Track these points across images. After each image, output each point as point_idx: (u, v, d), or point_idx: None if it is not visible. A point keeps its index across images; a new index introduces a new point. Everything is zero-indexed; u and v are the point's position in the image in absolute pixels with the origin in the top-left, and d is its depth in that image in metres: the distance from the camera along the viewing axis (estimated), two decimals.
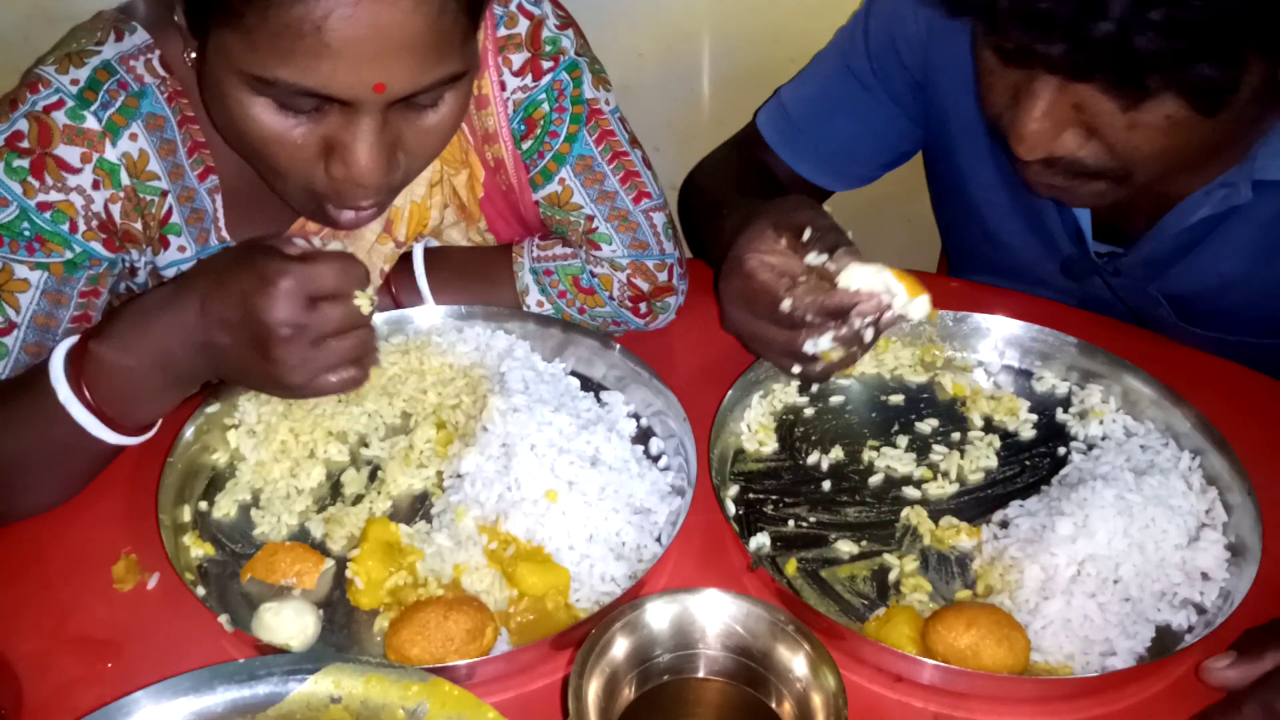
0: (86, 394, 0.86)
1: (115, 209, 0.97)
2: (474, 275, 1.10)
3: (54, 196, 0.93)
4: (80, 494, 0.94)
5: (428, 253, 1.10)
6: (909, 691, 0.80)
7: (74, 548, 0.89)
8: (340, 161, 0.87)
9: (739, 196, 1.13)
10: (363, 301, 0.86)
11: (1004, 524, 0.92)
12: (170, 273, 1.04)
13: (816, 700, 0.70)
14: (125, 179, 0.96)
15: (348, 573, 0.86)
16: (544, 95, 1.07)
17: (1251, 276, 1.08)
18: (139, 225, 0.99)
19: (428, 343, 1.05)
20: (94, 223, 0.96)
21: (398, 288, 1.09)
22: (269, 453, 0.96)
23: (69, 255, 0.95)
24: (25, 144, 0.92)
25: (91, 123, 0.94)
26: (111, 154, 0.95)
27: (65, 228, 0.94)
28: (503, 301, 1.09)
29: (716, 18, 1.60)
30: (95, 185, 0.95)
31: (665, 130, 1.27)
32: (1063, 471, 0.97)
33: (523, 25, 1.05)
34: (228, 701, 0.72)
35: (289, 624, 0.80)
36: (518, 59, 1.06)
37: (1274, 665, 0.76)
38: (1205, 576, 0.88)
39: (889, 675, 0.81)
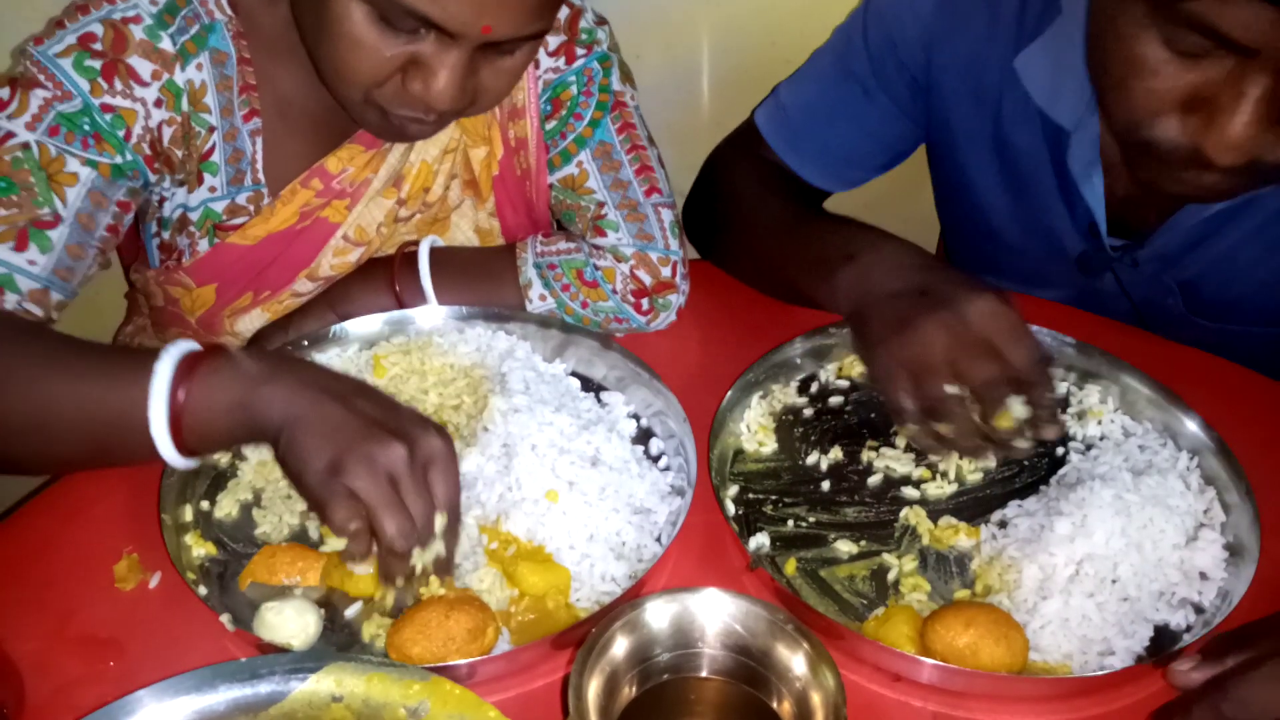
0: (182, 391, 0.81)
1: (167, 132, 1.00)
2: (477, 273, 1.11)
3: (119, 101, 0.96)
4: (81, 493, 0.94)
5: (431, 252, 1.10)
6: (908, 691, 0.81)
7: (76, 547, 0.90)
8: (421, 82, 0.91)
9: (802, 213, 1.14)
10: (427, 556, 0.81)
11: (1002, 524, 0.92)
12: (198, 212, 1.07)
13: (816, 699, 0.70)
14: (185, 105, 1.00)
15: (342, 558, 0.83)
16: (574, 78, 1.12)
17: (1264, 264, 1.08)
18: (180, 154, 1.02)
19: (429, 343, 1.05)
20: (146, 138, 0.99)
21: (401, 287, 1.09)
22: (270, 453, 0.96)
23: (118, 160, 0.97)
24: (98, 46, 0.96)
25: (166, 44, 0.98)
26: (179, 78, 0.99)
27: (122, 133, 0.97)
28: (505, 298, 1.10)
29: (716, 18, 1.60)
30: (158, 104, 0.99)
31: (665, 131, 1.28)
32: (1061, 471, 0.97)
33: (563, 11, 1.11)
34: (229, 700, 0.72)
35: (290, 623, 0.80)
36: (554, 40, 1.12)
37: (1231, 668, 0.76)
38: (1203, 576, 0.88)
39: (888, 674, 0.81)
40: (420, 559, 0.81)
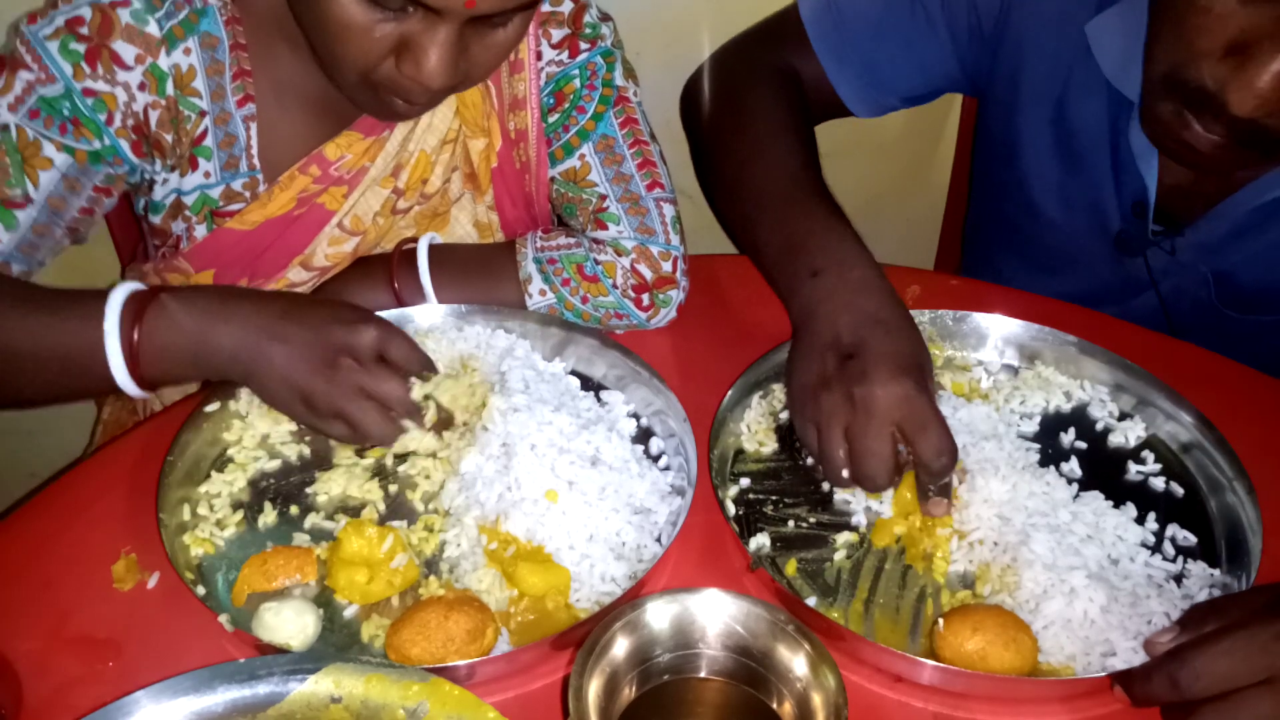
0: (135, 337, 0.88)
1: (153, 115, 1.01)
2: (477, 270, 1.11)
3: (100, 86, 0.98)
4: (80, 493, 0.94)
5: (431, 249, 1.10)
6: (909, 691, 0.81)
7: (74, 547, 0.89)
8: (412, 61, 0.91)
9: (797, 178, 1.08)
10: (417, 392, 0.93)
11: (1004, 522, 0.92)
12: (193, 197, 1.07)
13: (816, 700, 0.70)
14: (170, 89, 1.01)
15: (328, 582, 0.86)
16: (577, 72, 1.13)
17: None
18: (170, 137, 1.03)
19: (427, 341, 1.05)
20: (129, 122, 1.00)
21: (400, 285, 1.09)
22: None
23: (97, 146, 0.99)
24: (85, 30, 0.97)
25: (153, 28, 0.99)
26: (164, 62, 1.00)
27: (103, 118, 0.98)
28: (505, 294, 1.09)
29: (716, 18, 1.59)
30: (141, 87, 1.00)
31: (665, 129, 1.27)
32: (1062, 470, 0.97)
33: (567, 6, 1.13)
34: (228, 701, 0.72)
35: (289, 624, 0.80)
36: (558, 33, 1.12)
37: (1192, 639, 0.76)
38: (1208, 576, 0.88)
39: (889, 675, 0.81)
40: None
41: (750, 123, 1.16)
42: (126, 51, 0.98)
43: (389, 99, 0.97)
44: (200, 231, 1.09)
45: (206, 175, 1.07)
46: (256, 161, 1.08)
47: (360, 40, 0.91)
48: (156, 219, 1.10)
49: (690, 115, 1.25)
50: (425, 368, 0.96)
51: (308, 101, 1.08)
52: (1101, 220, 1.17)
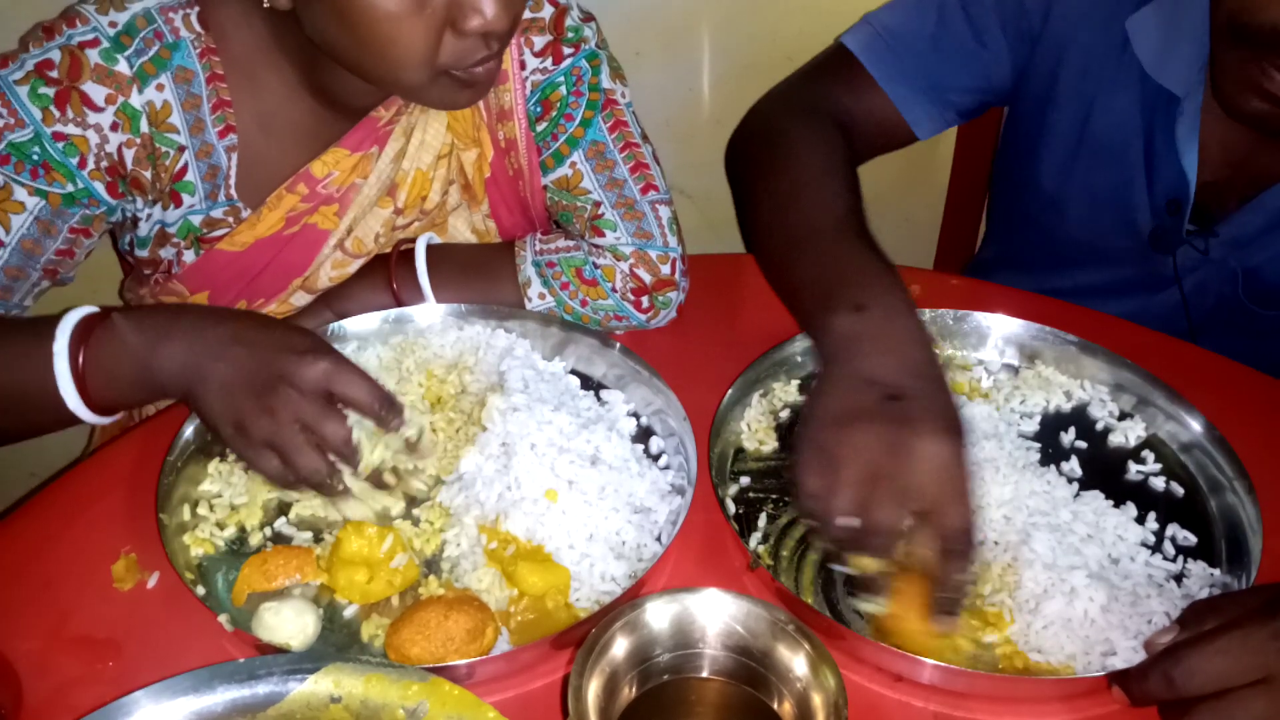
0: (80, 360, 0.86)
1: (129, 154, 0.99)
2: (475, 271, 1.11)
3: (71, 129, 0.96)
4: (80, 493, 0.94)
5: (430, 250, 1.10)
6: (909, 691, 0.80)
7: (74, 547, 0.89)
8: (474, 12, 0.88)
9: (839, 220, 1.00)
10: (364, 448, 0.87)
11: (1004, 521, 0.92)
12: (177, 226, 1.06)
13: (816, 700, 0.70)
14: (144, 126, 0.99)
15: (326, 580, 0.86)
16: (562, 79, 1.11)
17: None
18: (149, 174, 1.01)
19: (427, 341, 1.05)
20: (103, 163, 0.98)
21: (399, 285, 1.09)
22: None
23: (70, 189, 0.97)
24: (54, 74, 0.95)
25: (123, 67, 0.97)
26: (136, 100, 0.98)
27: (74, 161, 0.96)
28: (504, 296, 1.09)
29: (716, 17, 1.60)
30: (114, 127, 0.98)
31: (664, 130, 1.28)
32: (1063, 470, 0.97)
33: (547, 11, 1.11)
34: (228, 701, 0.72)
35: (289, 623, 0.80)
36: (540, 41, 1.10)
37: (1188, 638, 0.76)
38: (1208, 575, 0.88)
39: (889, 675, 0.81)
40: (371, 459, 0.87)
41: (793, 164, 1.09)
42: (97, 92, 0.96)
43: (469, 73, 0.93)
44: (189, 256, 1.09)
45: (191, 208, 1.05)
46: (234, 192, 1.06)
47: (412, 26, 0.88)
48: (144, 252, 1.09)
49: (733, 163, 1.20)
50: (386, 407, 0.86)
51: (293, 126, 1.07)
52: (1131, 218, 1.17)
